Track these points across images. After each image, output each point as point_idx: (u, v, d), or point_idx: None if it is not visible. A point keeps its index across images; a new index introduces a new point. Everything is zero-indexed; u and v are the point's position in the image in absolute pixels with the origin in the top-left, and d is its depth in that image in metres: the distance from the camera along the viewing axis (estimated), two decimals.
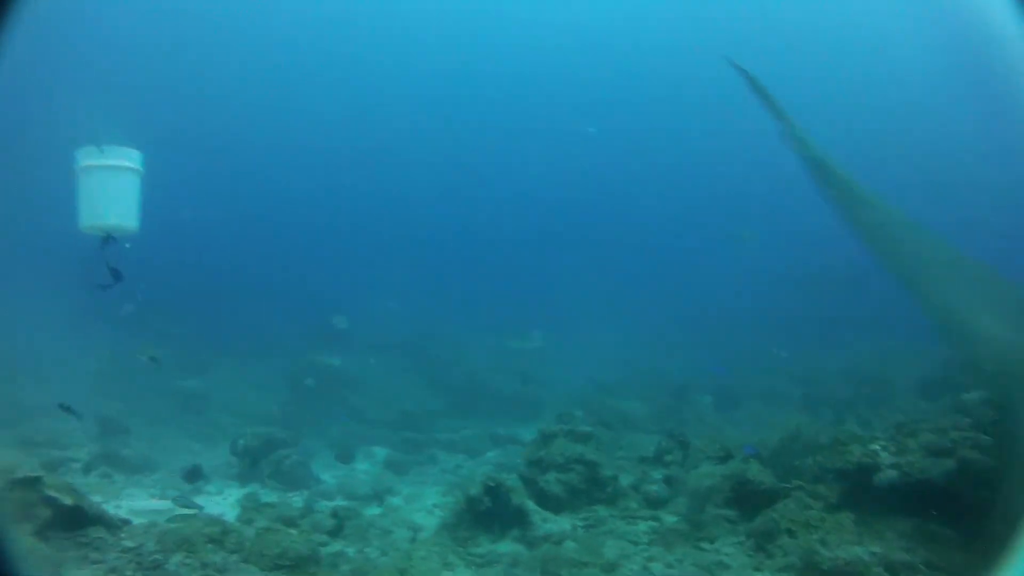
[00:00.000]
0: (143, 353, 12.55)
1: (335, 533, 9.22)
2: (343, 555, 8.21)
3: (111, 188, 8.74)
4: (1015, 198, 22.20)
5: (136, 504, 10.64)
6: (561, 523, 9.40)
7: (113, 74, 28.52)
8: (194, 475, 11.82)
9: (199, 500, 11.37)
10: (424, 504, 11.07)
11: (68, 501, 7.81)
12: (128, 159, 9.07)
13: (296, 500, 11.18)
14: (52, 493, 7.74)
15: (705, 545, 8.56)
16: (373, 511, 10.40)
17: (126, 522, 8.56)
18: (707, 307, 26.62)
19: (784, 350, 19.00)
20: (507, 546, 8.96)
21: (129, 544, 7.87)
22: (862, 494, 7.94)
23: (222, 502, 11.57)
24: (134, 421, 14.77)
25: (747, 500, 8.92)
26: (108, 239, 8.76)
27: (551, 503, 9.97)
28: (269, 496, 11.37)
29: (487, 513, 9.11)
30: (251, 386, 18.52)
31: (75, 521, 7.87)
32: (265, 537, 7.59)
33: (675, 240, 39.19)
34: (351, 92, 41.81)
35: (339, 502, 11.29)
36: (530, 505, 9.45)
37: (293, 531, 7.99)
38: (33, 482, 7.72)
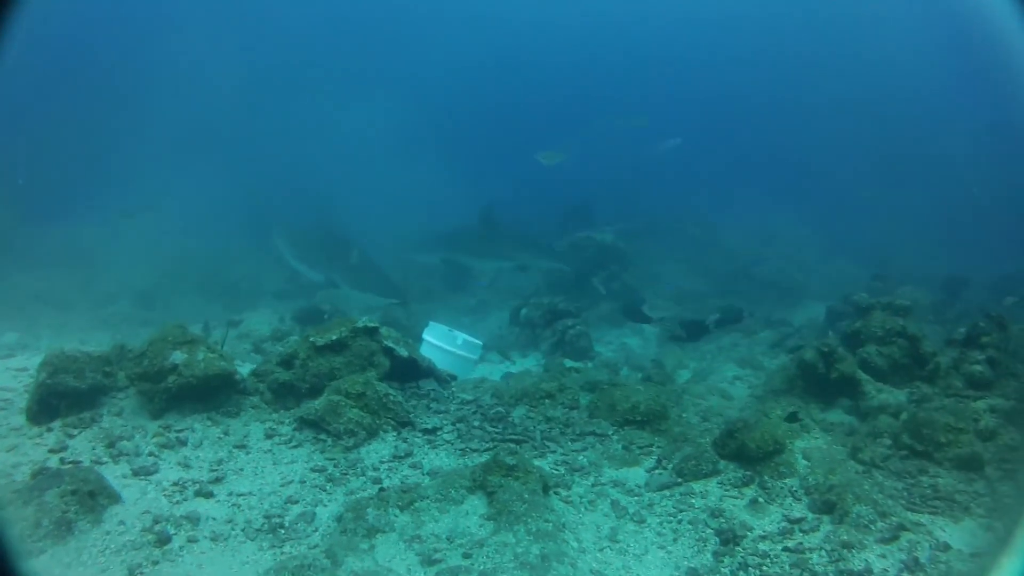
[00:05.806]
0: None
1: None
2: (678, 418, 7.76)
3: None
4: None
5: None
6: (896, 395, 8.57)
7: None
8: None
9: (484, 368, 11.42)
10: (724, 376, 10.49)
11: (404, 352, 7.83)
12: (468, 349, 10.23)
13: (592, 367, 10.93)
14: (389, 343, 7.77)
15: None
16: (682, 378, 9.93)
17: (452, 376, 8.55)
18: None
19: None
20: (837, 415, 8.32)
21: (466, 397, 7.81)
22: None
23: (516, 367, 11.53)
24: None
25: None
26: None
27: (874, 376, 9.16)
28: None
29: (819, 380, 8.44)
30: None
31: (409, 372, 7.91)
32: (611, 392, 7.25)
33: None
34: None
35: (628, 372, 10.96)
36: (861, 375, 8.66)
37: (639, 387, 7.59)
38: (372, 332, 7.78)
